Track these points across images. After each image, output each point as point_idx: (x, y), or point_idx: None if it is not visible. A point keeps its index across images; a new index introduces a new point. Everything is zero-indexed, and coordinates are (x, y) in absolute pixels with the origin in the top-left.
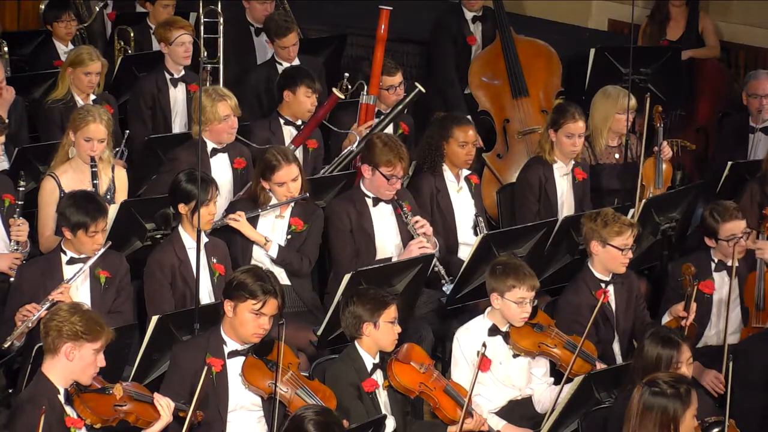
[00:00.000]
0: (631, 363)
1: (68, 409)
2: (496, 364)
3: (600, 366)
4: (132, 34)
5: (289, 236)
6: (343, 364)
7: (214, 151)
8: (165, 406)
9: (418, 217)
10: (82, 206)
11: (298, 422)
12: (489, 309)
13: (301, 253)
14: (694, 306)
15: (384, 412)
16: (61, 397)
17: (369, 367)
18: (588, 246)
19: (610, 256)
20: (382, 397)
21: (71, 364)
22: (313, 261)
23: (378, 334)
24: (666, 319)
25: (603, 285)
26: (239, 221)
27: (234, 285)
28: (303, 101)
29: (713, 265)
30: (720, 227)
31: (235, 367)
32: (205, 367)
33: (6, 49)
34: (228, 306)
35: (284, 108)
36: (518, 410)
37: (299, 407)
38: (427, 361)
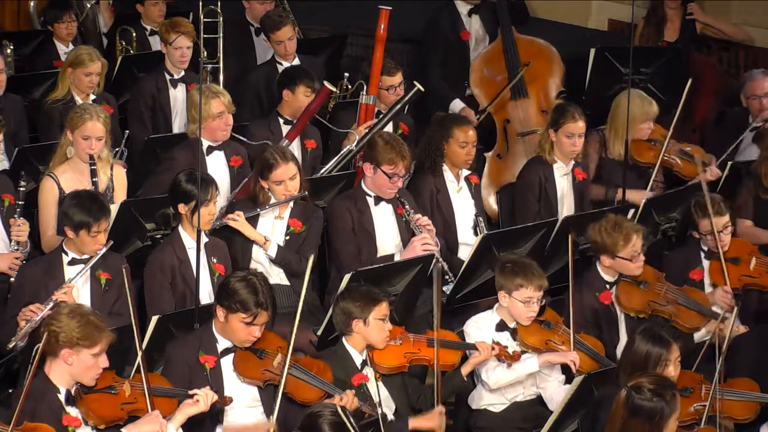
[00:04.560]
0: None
1: (69, 409)
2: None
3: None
4: (134, 35)
5: (288, 237)
6: (330, 361)
7: (210, 149)
8: (205, 396)
9: (419, 215)
10: (85, 206)
11: (313, 420)
12: (497, 305)
13: (300, 254)
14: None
15: (390, 404)
16: (61, 397)
17: (358, 363)
18: (600, 257)
19: (622, 265)
20: (383, 392)
21: (70, 368)
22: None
23: (368, 331)
24: None
25: (608, 286)
26: (238, 221)
27: (227, 292)
28: (302, 100)
29: (702, 254)
30: (700, 222)
31: (228, 363)
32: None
33: (9, 51)
34: (220, 311)
35: (284, 107)
36: (520, 411)
37: (316, 404)
38: (398, 331)
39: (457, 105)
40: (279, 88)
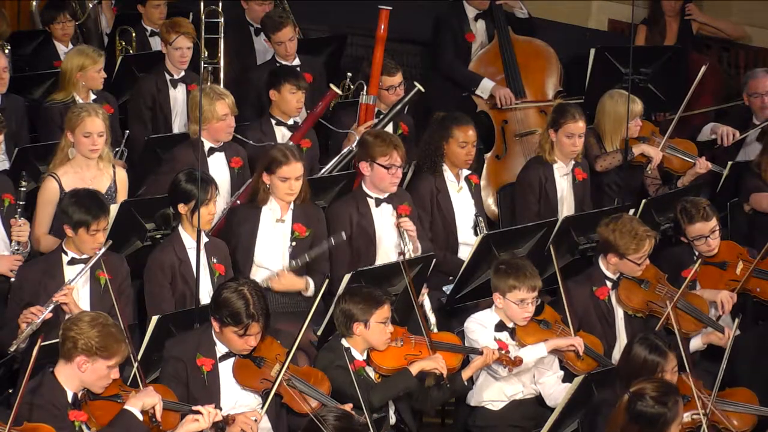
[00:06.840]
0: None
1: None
2: None
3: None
4: (134, 35)
5: (294, 243)
6: (328, 353)
7: (211, 151)
8: (208, 413)
9: (406, 219)
10: (85, 204)
11: (317, 425)
12: (494, 305)
13: (316, 272)
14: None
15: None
16: (68, 399)
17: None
18: (606, 254)
19: (627, 266)
20: None
21: (83, 375)
22: (327, 274)
23: (369, 334)
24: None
25: (608, 283)
26: (284, 282)
27: (218, 304)
28: (289, 99)
29: (695, 258)
30: (687, 228)
31: (226, 368)
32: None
33: (7, 51)
34: (215, 323)
35: (274, 108)
36: (520, 410)
37: (320, 409)
38: (399, 333)
39: (488, 84)
40: (266, 89)
